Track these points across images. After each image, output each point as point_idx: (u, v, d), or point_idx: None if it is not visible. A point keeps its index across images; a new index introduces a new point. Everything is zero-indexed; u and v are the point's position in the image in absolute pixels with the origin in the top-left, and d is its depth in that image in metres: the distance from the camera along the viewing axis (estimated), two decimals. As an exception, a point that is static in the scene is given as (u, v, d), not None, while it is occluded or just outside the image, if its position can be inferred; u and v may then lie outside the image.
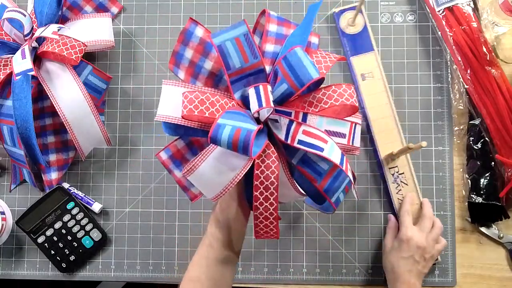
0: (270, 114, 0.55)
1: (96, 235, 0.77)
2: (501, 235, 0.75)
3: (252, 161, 0.54)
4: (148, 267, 0.78)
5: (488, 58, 0.73)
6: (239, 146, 0.50)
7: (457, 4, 0.75)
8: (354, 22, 0.78)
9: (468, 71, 0.74)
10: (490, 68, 0.73)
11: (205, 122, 0.55)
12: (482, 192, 0.75)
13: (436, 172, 0.77)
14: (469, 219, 0.76)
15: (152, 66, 0.81)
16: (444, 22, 0.75)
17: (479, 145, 0.76)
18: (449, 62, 0.77)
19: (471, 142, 0.76)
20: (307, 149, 0.52)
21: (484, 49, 0.73)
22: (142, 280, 0.78)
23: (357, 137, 0.58)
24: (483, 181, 0.75)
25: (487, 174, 0.75)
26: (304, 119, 0.55)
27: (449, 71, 0.78)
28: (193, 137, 0.59)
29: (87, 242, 0.77)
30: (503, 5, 0.72)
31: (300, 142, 0.52)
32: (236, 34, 0.56)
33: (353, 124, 0.56)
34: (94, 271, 0.79)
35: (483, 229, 0.76)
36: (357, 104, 0.57)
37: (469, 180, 0.76)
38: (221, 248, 0.61)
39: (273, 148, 0.54)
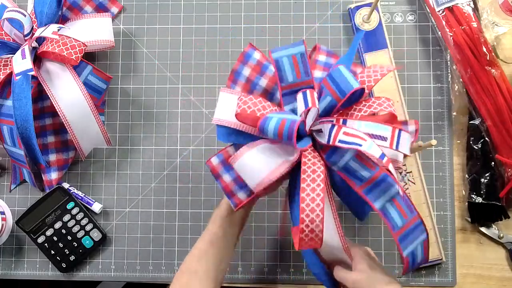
0: (315, 122, 0.59)
1: (96, 235, 0.77)
2: (501, 235, 0.75)
3: (298, 157, 0.57)
4: (148, 267, 0.78)
5: (488, 58, 0.73)
6: (284, 134, 0.55)
7: (457, 4, 0.75)
8: (369, 19, 0.78)
9: (468, 71, 0.74)
10: (490, 68, 0.73)
11: (256, 123, 0.58)
12: (482, 192, 0.75)
13: (436, 172, 0.77)
14: (469, 219, 0.76)
15: (152, 66, 0.81)
16: (444, 22, 0.75)
17: (479, 145, 0.76)
18: (449, 62, 0.78)
19: (471, 142, 0.76)
20: (347, 146, 0.54)
21: (484, 49, 0.73)
22: (142, 280, 0.78)
23: (403, 143, 0.57)
24: (483, 181, 0.75)
25: (487, 174, 0.75)
26: (344, 123, 0.59)
27: (449, 71, 0.78)
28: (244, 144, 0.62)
29: (87, 242, 0.77)
30: (503, 5, 0.72)
31: (340, 141, 0.55)
32: (294, 52, 0.61)
33: (396, 130, 0.57)
34: (94, 271, 0.79)
35: (483, 229, 0.76)
36: (395, 113, 0.60)
37: (469, 180, 0.76)
38: (220, 247, 0.63)
39: (316, 153, 0.58)
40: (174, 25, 0.82)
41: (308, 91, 0.59)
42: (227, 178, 0.62)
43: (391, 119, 0.61)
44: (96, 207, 0.78)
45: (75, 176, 0.80)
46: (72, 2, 0.79)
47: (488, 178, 0.75)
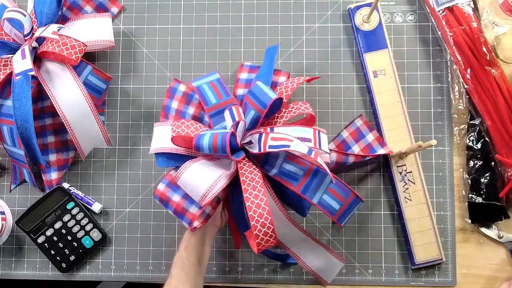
0: (244, 136, 0.65)
1: (96, 235, 0.77)
2: (501, 235, 0.75)
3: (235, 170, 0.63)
4: (148, 267, 0.78)
5: (488, 58, 0.73)
6: (218, 147, 0.60)
7: (457, 4, 0.75)
8: (369, 19, 0.78)
9: (468, 71, 0.74)
10: (490, 68, 0.73)
11: (191, 143, 0.63)
12: (482, 192, 0.75)
13: (436, 172, 0.77)
14: (469, 220, 0.76)
15: (152, 66, 0.81)
16: (444, 22, 0.75)
17: (479, 145, 0.76)
18: (449, 62, 0.78)
19: (471, 142, 0.76)
20: (276, 150, 0.60)
21: (484, 49, 0.73)
22: (142, 280, 0.78)
23: (323, 142, 0.65)
24: (483, 181, 0.75)
25: (487, 174, 0.75)
26: (272, 131, 0.65)
27: (449, 71, 0.78)
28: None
29: (87, 242, 0.77)
30: (503, 5, 0.72)
31: (270, 147, 0.61)
32: (210, 79, 0.70)
33: (316, 131, 0.65)
34: (94, 271, 0.79)
35: (483, 229, 0.76)
36: (313, 113, 0.67)
37: (469, 180, 0.76)
38: None
39: (251, 163, 0.63)
40: (174, 25, 0.82)
41: (233, 107, 0.65)
42: (176, 197, 0.65)
43: (311, 119, 0.69)
44: (96, 207, 0.78)
45: (75, 176, 0.80)
46: (72, 2, 0.79)
47: (488, 178, 0.75)
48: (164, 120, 0.70)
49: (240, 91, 0.72)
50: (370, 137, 0.76)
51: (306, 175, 0.62)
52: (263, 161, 0.65)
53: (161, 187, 0.66)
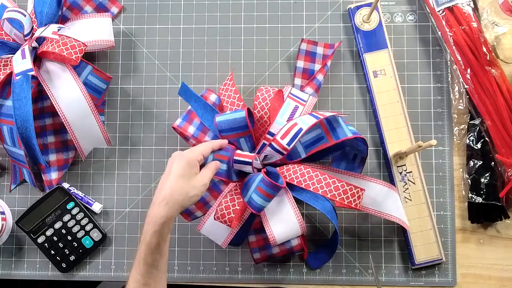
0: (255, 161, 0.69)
1: (96, 235, 0.77)
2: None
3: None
4: (148, 267, 0.78)
5: (488, 58, 0.73)
6: (270, 193, 0.66)
7: (457, 4, 0.75)
8: (369, 19, 0.78)
9: (468, 71, 0.74)
10: (490, 68, 0.73)
11: (244, 207, 0.70)
12: (482, 192, 0.75)
13: (436, 172, 0.77)
14: (470, 220, 0.76)
15: (152, 66, 0.81)
16: (444, 22, 0.75)
17: (479, 145, 0.76)
18: (449, 62, 0.78)
19: (471, 142, 0.76)
20: (296, 140, 0.64)
21: (484, 49, 0.73)
22: (142, 280, 0.78)
23: (300, 94, 0.74)
24: (483, 181, 0.75)
25: (487, 174, 0.75)
26: (271, 135, 0.70)
27: (449, 71, 0.78)
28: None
29: (87, 242, 0.77)
30: (503, 5, 0.72)
31: (288, 143, 0.64)
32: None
33: (289, 97, 0.73)
34: (94, 271, 0.79)
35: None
36: (276, 90, 0.73)
37: (469, 180, 0.76)
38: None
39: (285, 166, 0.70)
40: (174, 25, 0.82)
41: (237, 157, 0.68)
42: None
43: (279, 94, 0.73)
44: (96, 207, 0.78)
45: (75, 176, 0.80)
46: (72, 2, 0.79)
47: (488, 178, 0.75)
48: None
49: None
50: (320, 49, 0.78)
51: (323, 126, 0.68)
52: (289, 158, 0.69)
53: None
